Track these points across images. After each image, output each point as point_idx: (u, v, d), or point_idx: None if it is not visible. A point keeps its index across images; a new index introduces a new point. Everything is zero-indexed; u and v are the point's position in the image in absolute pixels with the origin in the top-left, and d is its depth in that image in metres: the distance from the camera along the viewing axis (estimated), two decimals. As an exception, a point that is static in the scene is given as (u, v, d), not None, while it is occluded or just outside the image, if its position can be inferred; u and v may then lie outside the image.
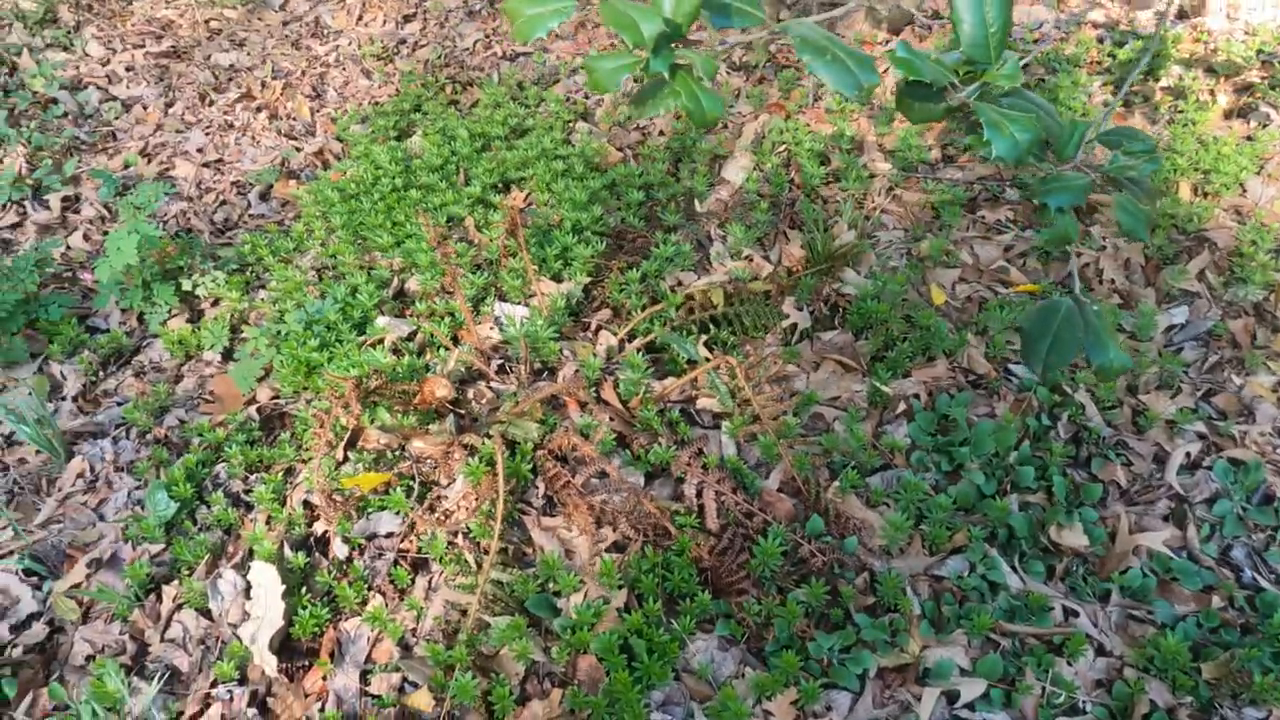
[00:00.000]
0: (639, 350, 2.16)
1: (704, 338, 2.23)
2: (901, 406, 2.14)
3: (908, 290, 2.35)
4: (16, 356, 2.54)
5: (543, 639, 1.78)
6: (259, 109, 3.73)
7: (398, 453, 2.04)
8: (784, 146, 2.90)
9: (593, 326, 2.32)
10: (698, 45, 3.27)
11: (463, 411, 2.05)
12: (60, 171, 3.35)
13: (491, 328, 2.33)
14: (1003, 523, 1.90)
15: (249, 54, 4.10)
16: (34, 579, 2.07)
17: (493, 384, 2.14)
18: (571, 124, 3.21)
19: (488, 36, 4.05)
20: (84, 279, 2.87)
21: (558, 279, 2.46)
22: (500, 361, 2.22)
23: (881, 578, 1.81)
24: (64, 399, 2.49)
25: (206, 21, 4.37)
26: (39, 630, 1.97)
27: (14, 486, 2.27)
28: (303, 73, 3.94)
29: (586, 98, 3.43)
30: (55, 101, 3.75)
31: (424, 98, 3.52)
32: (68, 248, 3.02)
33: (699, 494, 1.89)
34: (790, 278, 2.36)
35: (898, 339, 2.25)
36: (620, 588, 1.79)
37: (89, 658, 1.92)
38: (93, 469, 2.30)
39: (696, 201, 2.71)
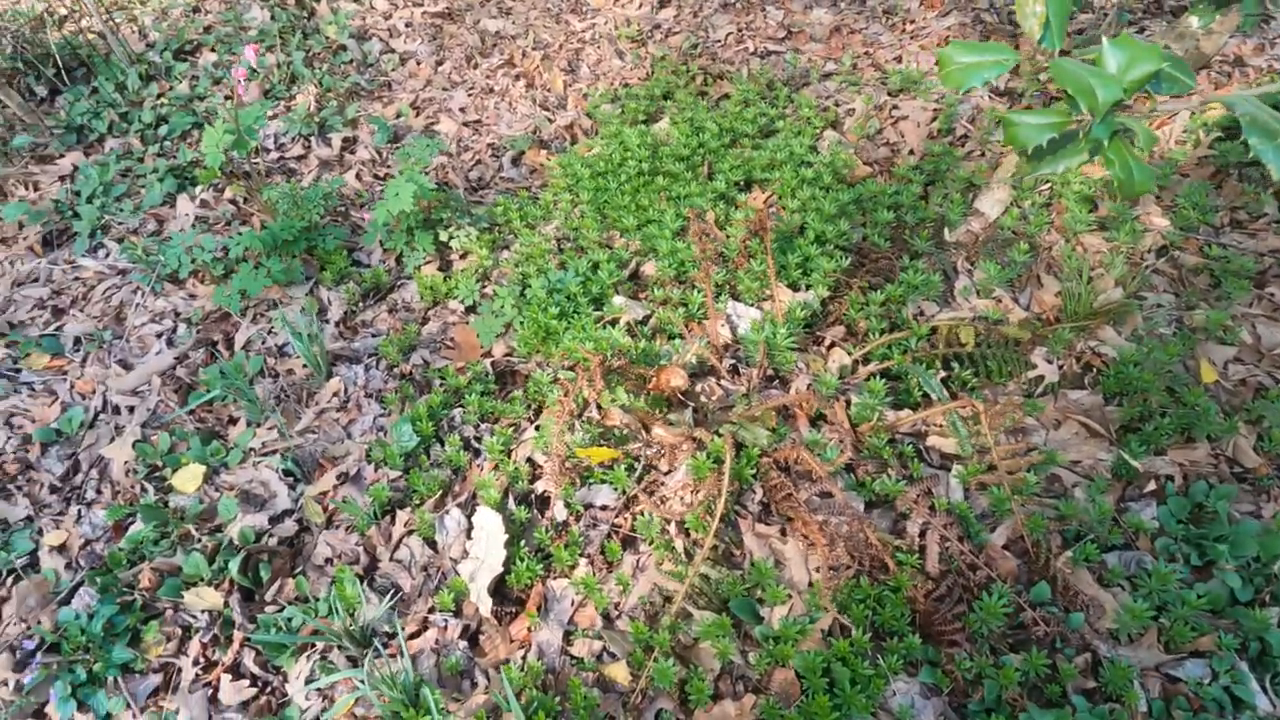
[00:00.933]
0: (875, 375, 2.12)
1: (943, 374, 2.16)
2: (1151, 486, 1.99)
3: (1175, 362, 2.17)
4: (294, 277, 2.84)
5: (740, 642, 1.81)
6: (517, 77, 3.94)
7: (625, 431, 2.12)
8: (1048, 185, 2.73)
9: (826, 342, 2.31)
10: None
11: (691, 404, 2.10)
12: (342, 114, 3.69)
13: (723, 325, 2.37)
14: (1257, 635, 1.73)
15: (513, 23, 4.33)
16: (290, 479, 2.32)
17: (723, 382, 2.18)
18: (820, 131, 3.17)
19: (740, 30, 4.06)
20: (355, 216, 3.15)
21: (794, 287, 2.46)
22: (731, 361, 2.25)
23: (1107, 663, 1.70)
24: (328, 322, 2.76)
25: (479, -13, 4.65)
26: (290, 526, 2.21)
27: (281, 393, 2.55)
28: (560, 46, 4.12)
29: (837, 105, 3.38)
30: (344, 48, 4.12)
31: (674, 85, 3.59)
32: (343, 185, 3.33)
33: (922, 534, 1.85)
34: (1045, 327, 2.23)
35: (1156, 412, 2.09)
36: (828, 611, 1.78)
37: (328, 560, 2.13)
38: (346, 390, 2.54)
39: (946, 230, 2.62)
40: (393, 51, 4.16)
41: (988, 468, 1.95)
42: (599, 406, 2.18)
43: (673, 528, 1.97)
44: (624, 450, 2.06)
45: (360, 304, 2.83)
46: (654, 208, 2.82)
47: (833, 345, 2.29)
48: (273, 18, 4.32)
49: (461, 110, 3.75)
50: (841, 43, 3.88)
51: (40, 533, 2.26)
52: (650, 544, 1.97)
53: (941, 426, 2.07)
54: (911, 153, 3.07)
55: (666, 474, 2.06)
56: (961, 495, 1.95)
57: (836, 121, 3.28)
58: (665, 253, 2.61)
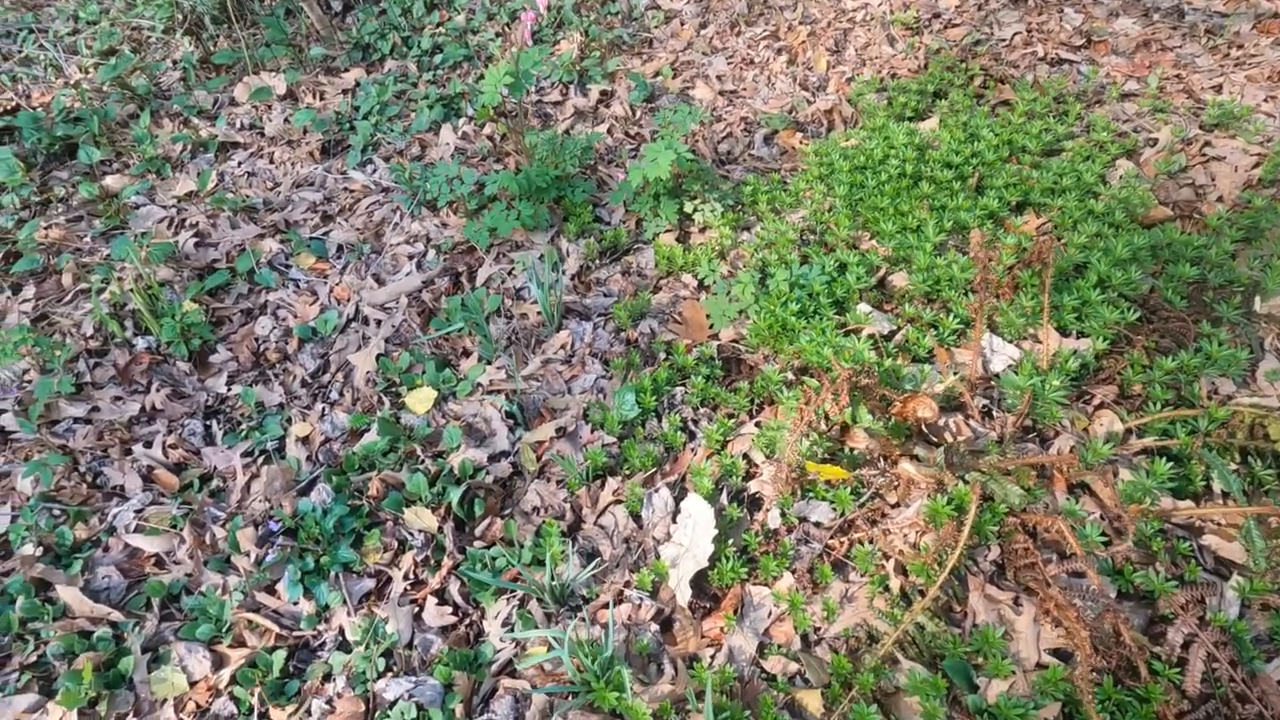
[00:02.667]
0: (1154, 453, 1.89)
1: (1233, 467, 1.89)
2: None
3: None
4: (540, 224, 2.90)
5: (949, 706, 1.69)
6: (780, 50, 3.81)
7: (863, 455, 2.01)
8: (1397, 266, 2.32)
9: (1095, 401, 2.08)
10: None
11: (938, 441, 1.96)
12: (603, 66, 3.72)
13: (975, 358, 2.19)
14: None
15: (783, -7, 4.18)
16: (510, 421, 2.39)
17: (972, 422, 2.02)
18: (1113, 159, 2.85)
19: (1030, 31, 3.72)
20: (603, 171, 3.18)
21: (1064, 332, 2.23)
22: (984, 402, 2.08)
23: None
24: (563, 274, 2.80)
25: (752, -49, 4.52)
26: (505, 467, 2.28)
27: (513, 336, 2.62)
28: (828, 24, 3.94)
29: (1136, 131, 3.02)
30: (613, 0, 4.14)
31: (949, 83, 3.34)
32: (601, 139, 3.36)
33: (1185, 646, 1.63)
34: (1375, 438, 1.90)
35: None
36: (1056, 700, 1.62)
37: (536, 509, 2.18)
38: (573, 345, 2.58)
39: (1258, 299, 2.28)
40: (658, 8, 4.14)
41: (1278, 589, 1.69)
42: (827, 418, 2.08)
43: (891, 565, 1.86)
44: (856, 474, 1.96)
45: (596, 261, 2.86)
46: (914, 215, 2.64)
47: (1102, 406, 2.06)
48: (549, -40, 4.40)
49: (719, 78, 3.67)
50: (1149, 60, 3.46)
51: (289, 421, 2.46)
52: (864, 575, 1.87)
53: (1223, 527, 1.82)
54: (1221, 200, 2.69)
55: (894, 506, 1.94)
56: (1237, 612, 1.71)
57: (1134, 150, 2.93)
58: (921, 266, 2.44)
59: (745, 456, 2.17)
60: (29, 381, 2.54)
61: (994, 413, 2.06)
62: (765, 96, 3.55)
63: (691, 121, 2.86)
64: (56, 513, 2.22)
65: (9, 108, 3.61)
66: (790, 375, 2.30)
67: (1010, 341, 2.24)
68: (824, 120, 3.38)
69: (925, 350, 2.24)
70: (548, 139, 2.98)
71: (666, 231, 2.89)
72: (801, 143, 3.24)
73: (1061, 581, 1.69)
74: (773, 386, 2.26)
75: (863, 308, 2.39)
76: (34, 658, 1.95)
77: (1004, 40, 3.68)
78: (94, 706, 1.86)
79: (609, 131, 3.40)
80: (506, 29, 3.99)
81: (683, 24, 4.03)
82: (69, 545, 2.16)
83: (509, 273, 2.82)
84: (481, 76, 3.70)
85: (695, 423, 2.31)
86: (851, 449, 2.01)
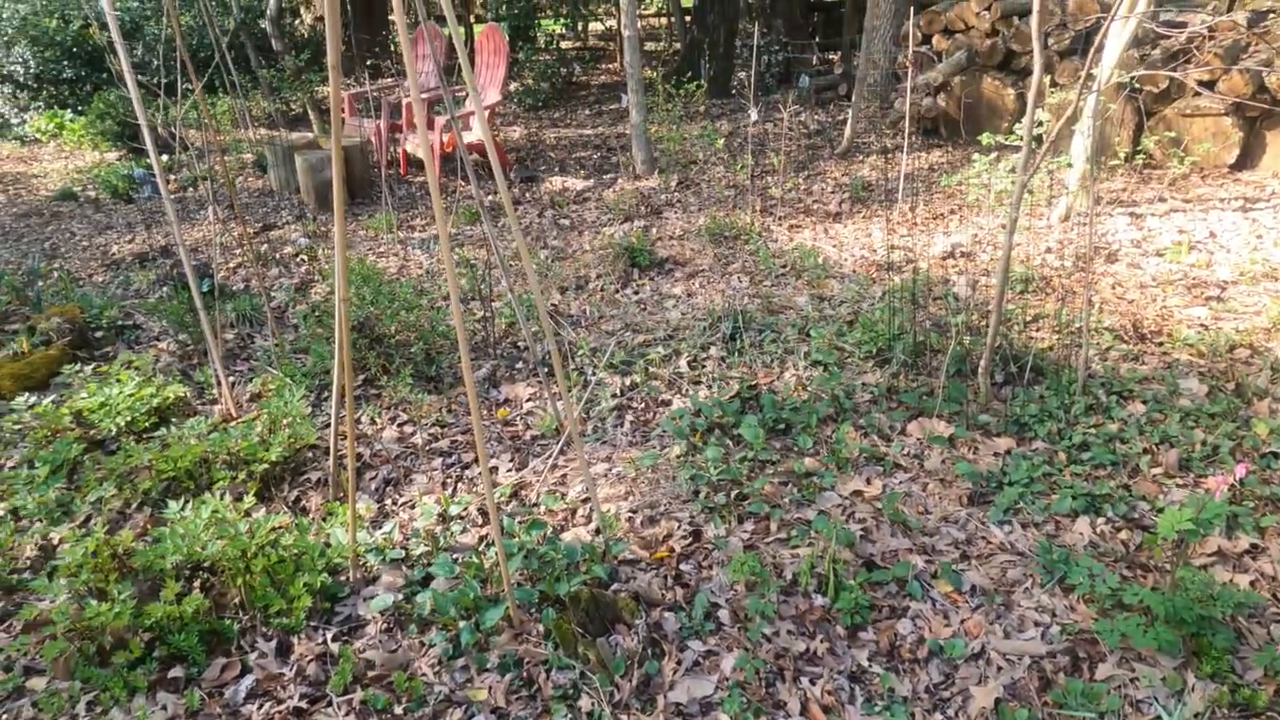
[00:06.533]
0: None
1: None
2: None
3: None
4: (1171, 651, 3.17)
5: None
6: None
7: None
8: None
9: None
10: None
11: None
12: (1255, 518, 3.90)
13: None
14: None
15: None
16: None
17: None
18: None
19: None
20: (1243, 625, 3.34)
21: None
22: None
23: None
24: (1185, 706, 3.01)
25: None
26: None
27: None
28: None
29: None
30: (1275, 456, 4.32)
31: None
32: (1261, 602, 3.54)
33: None
34: None
35: None
36: None
37: None
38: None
39: None
40: (1325, 477, 4.20)
41: None
42: None
43: None
44: None
45: (1225, 711, 3.00)
46: None
47: None
48: (1209, 396, 4.79)
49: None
50: None
51: (912, 716, 3.06)
52: None
53: None
54: None
55: None
56: None
57: None
58: None
59: None
60: (736, 591, 3.60)
61: None
62: None
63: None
64: (745, 700, 3.10)
65: (755, 383, 5.17)
66: None
67: None
68: None
69: None
70: (1202, 582, 3.29)
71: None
72: None
73: None
74: None
75: None
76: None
77: None
78: None
79: (1252, 584, 3.56)
80: (1154, 449, 4.44)
81: (1354, 503, 4.02)
82: (750, 728, 3.00)
83: (1130, 680, 3.13)
84: (1126, 487, 4.17)
85: None
86: None
